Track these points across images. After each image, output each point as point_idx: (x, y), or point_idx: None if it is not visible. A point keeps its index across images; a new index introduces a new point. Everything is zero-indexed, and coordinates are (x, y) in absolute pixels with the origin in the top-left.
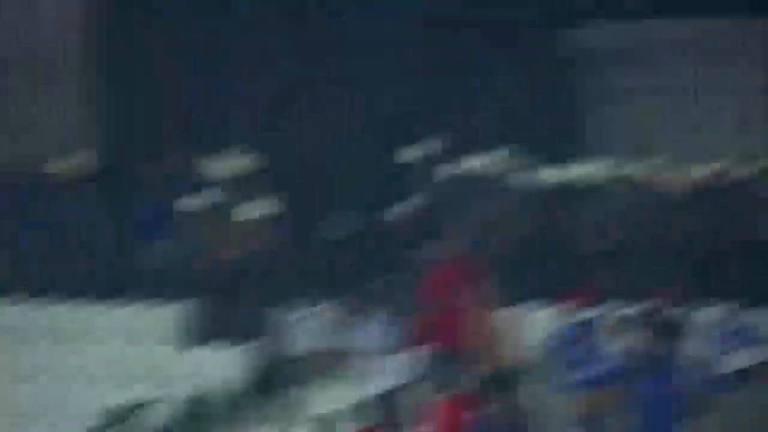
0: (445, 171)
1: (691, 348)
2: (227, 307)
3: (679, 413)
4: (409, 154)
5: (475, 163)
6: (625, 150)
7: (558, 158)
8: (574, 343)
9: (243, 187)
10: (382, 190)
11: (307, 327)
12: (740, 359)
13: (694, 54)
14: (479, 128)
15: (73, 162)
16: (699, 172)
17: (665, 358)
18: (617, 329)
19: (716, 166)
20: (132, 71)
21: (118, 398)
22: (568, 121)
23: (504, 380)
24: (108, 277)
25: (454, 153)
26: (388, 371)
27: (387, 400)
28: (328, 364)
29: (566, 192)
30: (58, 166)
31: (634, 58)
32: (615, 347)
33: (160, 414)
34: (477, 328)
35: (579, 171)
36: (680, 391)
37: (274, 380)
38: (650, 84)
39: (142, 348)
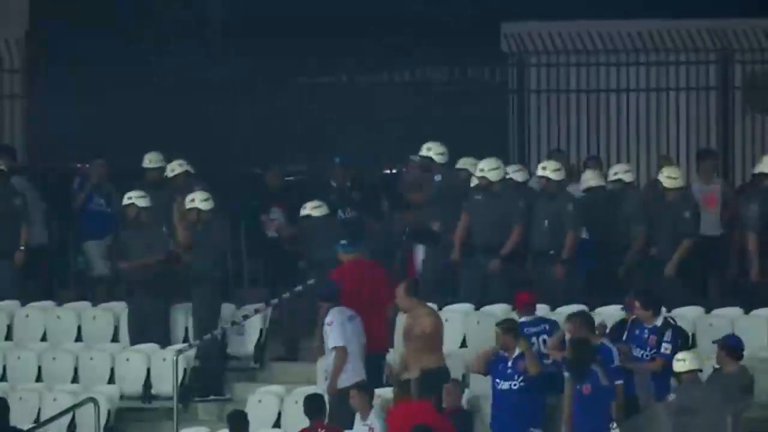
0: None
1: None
2: (166, 305)
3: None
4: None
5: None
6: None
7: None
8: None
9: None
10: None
11: (247, 326)
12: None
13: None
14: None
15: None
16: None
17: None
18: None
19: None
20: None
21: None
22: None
23: (432, 381)
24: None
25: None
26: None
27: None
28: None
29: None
30: None
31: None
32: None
33: (97, 413)
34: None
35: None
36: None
37: (215, 379)
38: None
39: (79, 348)
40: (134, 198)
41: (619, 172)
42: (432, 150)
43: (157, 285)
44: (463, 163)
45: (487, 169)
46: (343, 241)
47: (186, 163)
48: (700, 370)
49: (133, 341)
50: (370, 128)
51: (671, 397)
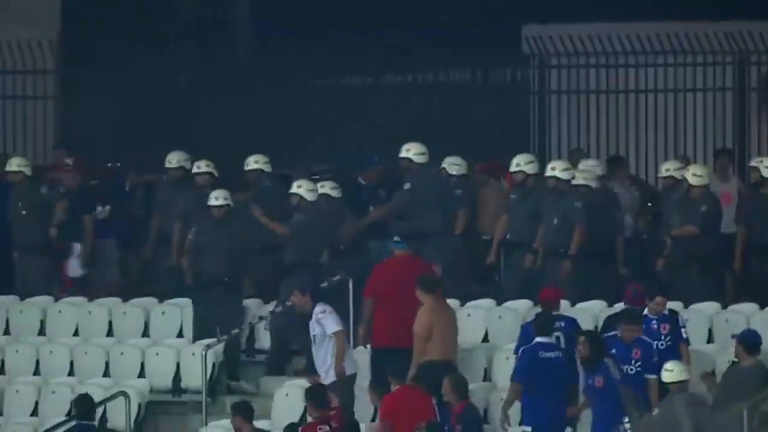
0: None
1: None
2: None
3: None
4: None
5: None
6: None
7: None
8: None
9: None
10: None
11: (272, 320)
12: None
13: (656, 56)
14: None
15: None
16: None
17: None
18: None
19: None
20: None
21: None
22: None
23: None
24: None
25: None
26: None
27: (340, 389)
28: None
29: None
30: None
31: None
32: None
33: (128, 407)
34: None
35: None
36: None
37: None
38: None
39: (110, 343)
40: (303, 188)
41: (671, 168)
42: (411, 150)
43: (236, 280)
44: (446, 162)
45: (523, 163)
46: (396, 238)
47: (212, 164)
48: (686, 381)
49: (199, 337)
50: (369, 127)
51: (655, 411)
